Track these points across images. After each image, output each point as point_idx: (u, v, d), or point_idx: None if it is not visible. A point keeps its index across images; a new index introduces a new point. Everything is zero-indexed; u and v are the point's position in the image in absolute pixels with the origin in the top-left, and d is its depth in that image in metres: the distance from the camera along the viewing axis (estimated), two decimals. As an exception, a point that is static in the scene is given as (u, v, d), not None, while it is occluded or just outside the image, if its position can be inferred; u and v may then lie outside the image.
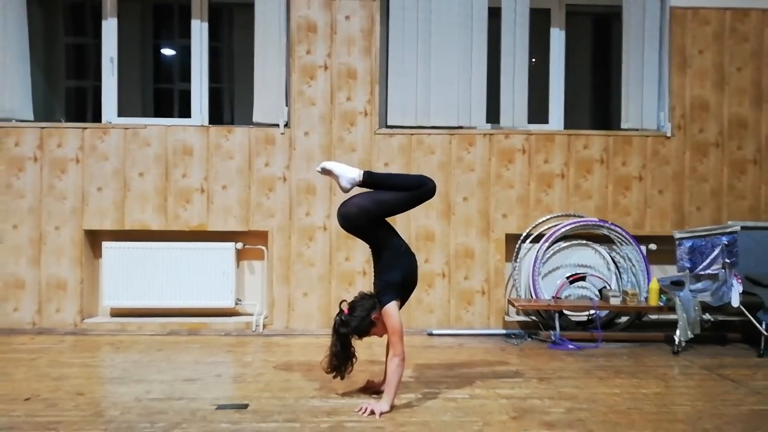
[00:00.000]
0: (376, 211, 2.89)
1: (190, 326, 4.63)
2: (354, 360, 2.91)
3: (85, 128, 4.70)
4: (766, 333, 3.95)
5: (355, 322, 2.83)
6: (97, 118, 5.00)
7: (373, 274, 2.97)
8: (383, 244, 2.91)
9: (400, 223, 4.66)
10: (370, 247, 2.99)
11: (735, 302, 3.92)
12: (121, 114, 4.90)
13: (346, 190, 2.98)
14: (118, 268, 4.65)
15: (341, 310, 2.88)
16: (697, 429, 2.62)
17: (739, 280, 3.95)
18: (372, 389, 3.06)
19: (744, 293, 3.95)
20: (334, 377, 2.92)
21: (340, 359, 2.86)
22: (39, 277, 4.64)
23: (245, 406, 2.86)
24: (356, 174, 2.93)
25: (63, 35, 5.73)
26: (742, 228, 4.13)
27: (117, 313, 4.81)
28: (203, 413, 2.76)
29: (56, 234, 4.65)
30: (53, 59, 5.45)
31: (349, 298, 4.59)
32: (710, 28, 4.86)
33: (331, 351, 2.86)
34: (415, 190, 2.93)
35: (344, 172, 2.94)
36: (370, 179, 2.95)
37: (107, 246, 4.68)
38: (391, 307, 2.82)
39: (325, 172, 2.99)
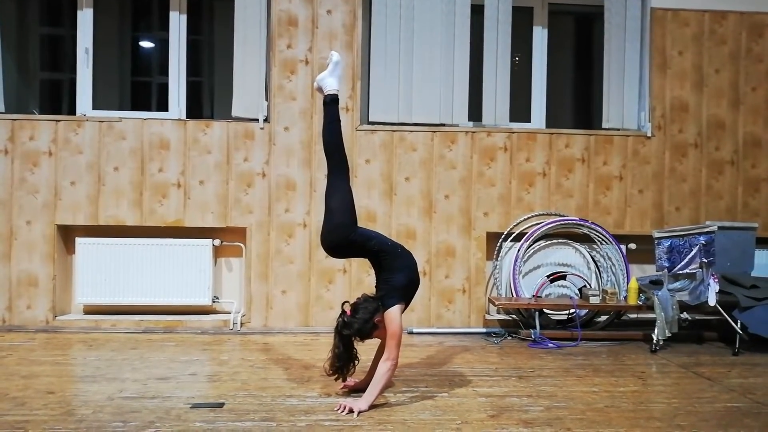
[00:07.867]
0: (348, 217, 2.93)
1: (165, 324, 4.55)
2: (356, 362, 2.88)
3: (59, 121, 4.59)
4: (741, 332, 3.99)
5: (358, 324, 2.78)
6: (72, 110, 4.88)
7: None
8: (379, 251, 2.90)
9: (380, 221, 4.64)
10: (369, 259, 2.98)
11: (712, 301, 3.96)
12: (97, 107, 4.79)
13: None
14: (91, 265, 4.55)
15: (344, 311, 2.83)
16: (673, 426, 2.63)
17: (716, 280, 3.99)
18: (352, 388, 3.02)
19: (720, 292, 4.00)
20: (336, 379, 2.90)
21: (343, 361, 2.83)
22: (9, 273, 4.52)
23: (221, 405, 2.81)
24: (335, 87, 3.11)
25: (38, 25, 5.59)
26: (719, 228, 4.16)
27: (90, 310, 4.71)
28: (177, 412, 2.70)
29: (28, 229, 4.54)
30: (27, 50, 5.31)
31: (329, 296, 4.65)
32: (689, 29, 4.90)
33: (334, 352, 2.82)
34: (345, 175, 3.03)
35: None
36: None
37: (81, 242, 4.58)
38: (395, 310, 2.80)
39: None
